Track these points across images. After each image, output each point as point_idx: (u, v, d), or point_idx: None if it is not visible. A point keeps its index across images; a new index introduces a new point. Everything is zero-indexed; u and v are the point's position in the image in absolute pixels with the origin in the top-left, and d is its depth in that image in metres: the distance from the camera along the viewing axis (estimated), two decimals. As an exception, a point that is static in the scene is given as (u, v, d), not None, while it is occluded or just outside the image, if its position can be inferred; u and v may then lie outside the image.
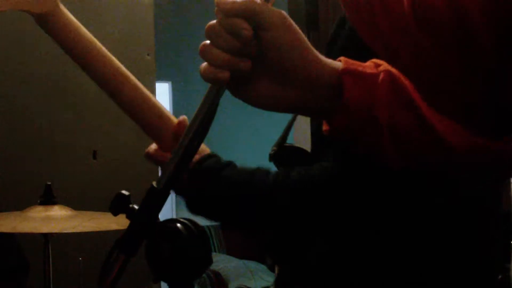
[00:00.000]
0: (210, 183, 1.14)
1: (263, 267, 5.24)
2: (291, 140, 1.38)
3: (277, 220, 1.12)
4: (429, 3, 0.55)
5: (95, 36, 1.21)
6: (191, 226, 0.83)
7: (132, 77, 1.23)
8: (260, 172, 1.13)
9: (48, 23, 1.16)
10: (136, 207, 0.85)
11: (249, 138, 6.36)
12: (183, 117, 1.23)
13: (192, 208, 1.17)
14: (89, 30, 1.21)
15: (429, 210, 1.08)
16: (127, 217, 0.85)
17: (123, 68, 1.22)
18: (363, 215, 1.08)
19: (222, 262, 5.32)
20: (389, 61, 0.77)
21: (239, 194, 1.12)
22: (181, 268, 0.83)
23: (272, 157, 1.25)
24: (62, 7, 1.16)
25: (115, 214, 0.85)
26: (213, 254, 5.59)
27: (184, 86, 6.18)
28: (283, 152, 1.24)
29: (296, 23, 0.86)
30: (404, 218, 1.08)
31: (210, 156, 1.17)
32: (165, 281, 0.84)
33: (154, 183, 0.84)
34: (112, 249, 0.86)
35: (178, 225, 0.82)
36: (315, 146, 1.22)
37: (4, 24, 2.83)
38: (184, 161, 0.82)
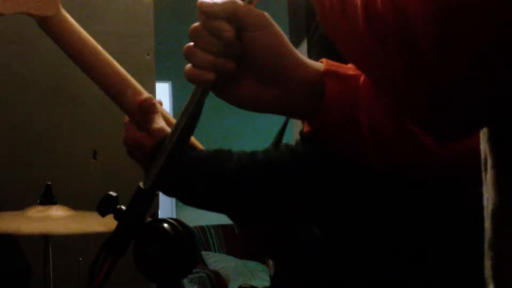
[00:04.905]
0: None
1: (263, 267, 5.23)
2: (290, 139, 1.38)
3: (242, 201, 1.12)
4: (377, 6, 0.54)
5: (95, 37, 1.22)
6: (177, 226, 0.83)
7: (133, 80, 1.23)
8: (222, 153, 1.12)
9: (49, 26, 1.17)
10: (123, 207, 0.86)
11: (249, 138, 6.35)
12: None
13: (165, 190, 1.16)
14: (89, 30, 1.22)
15: (427, 211, 1.08)
16: (115, 218, 0.86)
17: (123, 71, 1.23)
18: (347, 211, 1.08)
19: (222, 262, 5.31)
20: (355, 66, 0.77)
21: (203, 175, 1.11)
22: (168, 268, 0.83)
23: None
24: (63, 10, 1.18)
25: (103, 215, 0.86)
26: (213, 254, 5.58)
27: (184, 86, 6.15)
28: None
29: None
30: (403, 219, 1.07)
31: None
32: (152, 281, 0.85)
33: (141, 184, 0.85)
34: (100, 250, 0.87)
35: (165, 225, 0.83)
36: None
37: (4, 25, 2.84)
38: (170, 161, 0.83)
